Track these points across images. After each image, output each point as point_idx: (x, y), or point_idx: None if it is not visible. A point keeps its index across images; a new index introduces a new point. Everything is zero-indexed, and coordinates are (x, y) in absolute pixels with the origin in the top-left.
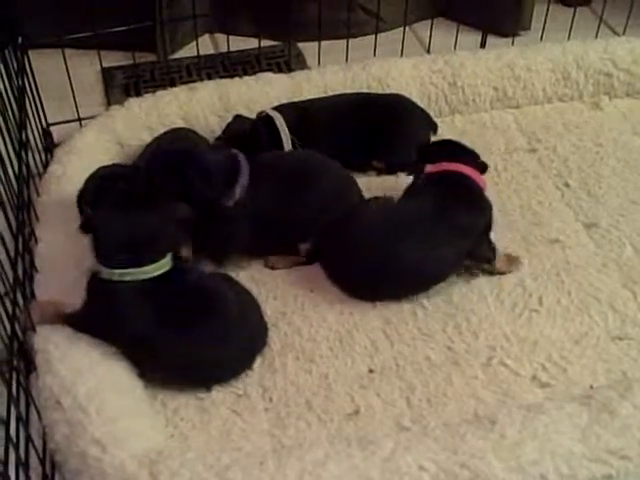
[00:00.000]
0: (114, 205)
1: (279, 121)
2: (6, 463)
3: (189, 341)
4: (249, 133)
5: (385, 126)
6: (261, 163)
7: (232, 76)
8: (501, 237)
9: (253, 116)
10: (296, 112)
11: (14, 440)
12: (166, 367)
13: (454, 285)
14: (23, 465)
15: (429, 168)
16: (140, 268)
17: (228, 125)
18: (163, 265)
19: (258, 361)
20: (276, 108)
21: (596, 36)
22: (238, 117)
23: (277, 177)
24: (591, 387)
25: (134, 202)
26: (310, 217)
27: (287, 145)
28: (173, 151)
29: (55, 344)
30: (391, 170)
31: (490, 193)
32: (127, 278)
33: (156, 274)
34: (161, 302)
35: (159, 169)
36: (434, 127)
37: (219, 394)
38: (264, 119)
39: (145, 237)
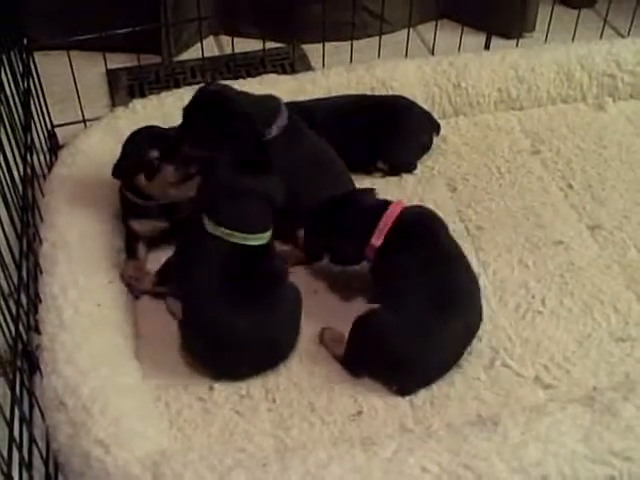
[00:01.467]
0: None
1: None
2: (10, 464)
3: (250, 318)
4: None
5: (388, 127)
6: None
7: (236, 78)
8: (505, 239)
9: None
10: (299, 112)
11: (17, 441)
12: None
13: None
14: (26, 466)
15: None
16: (248, 234)
17: None
18: (265, 238)
19: None
20: None
21: (600, 38)
22: None
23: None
24: (594, 388)
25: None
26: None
27: None
28: (212, 91)
29: (61, 344)
30: (395, 172)
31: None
32: (231, 239)
33: (256, 244)
34: (244, 272)
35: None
36: (437, 128)
37: (222, 395)
38: None
39: (266, 206)
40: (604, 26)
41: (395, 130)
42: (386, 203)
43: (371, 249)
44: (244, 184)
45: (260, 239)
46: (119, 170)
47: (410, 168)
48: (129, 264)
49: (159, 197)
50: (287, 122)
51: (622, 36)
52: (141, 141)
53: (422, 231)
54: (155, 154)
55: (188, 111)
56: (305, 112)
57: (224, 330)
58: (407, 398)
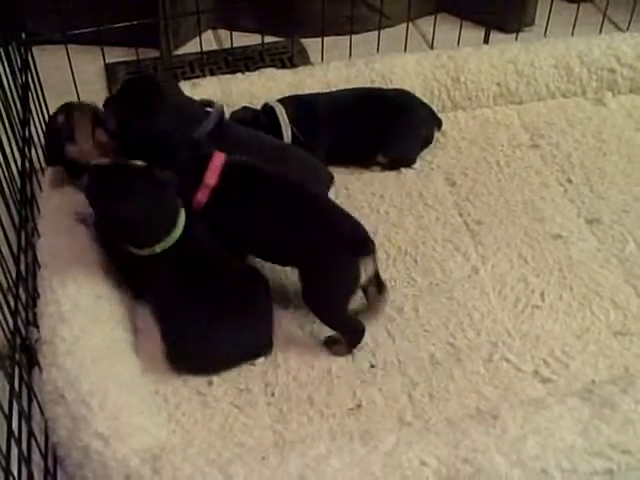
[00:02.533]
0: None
1: (279, 110)
2: (8, 458)
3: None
4: (250, 121)
5: (389, 121)
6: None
7: (235, 72)
8: (504, 233)
9: None
10: (300, 104)
11: (16, 435)
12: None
13: (456, 281)
14: (25, 460)
15: None
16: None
17: (232, 113)
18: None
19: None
20: (281, 100)
21: (600, 32)
22: (244, 108)
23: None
24: (593, 382)
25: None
26: None
27: (286, 135)
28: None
29: (61, 338)
30: (394, 166)
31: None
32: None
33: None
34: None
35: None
36: (439, 123)
37: (221, 389)
38: (267, 109)
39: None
40: (603, 20)
41: (396, 124)
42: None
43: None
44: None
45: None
46: (49, 157)
47: (410, 162)
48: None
49: (96, 156)
50: (213, 126)
51: (622, 30)
52: (50, 120)
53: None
54: (61, 118)
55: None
56: (306, 105)
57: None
58: (406, 392)
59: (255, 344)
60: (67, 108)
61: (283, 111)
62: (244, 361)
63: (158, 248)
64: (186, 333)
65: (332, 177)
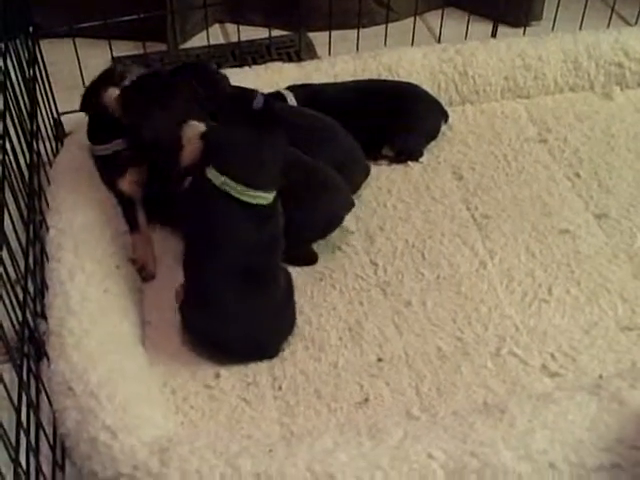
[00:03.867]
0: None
1: (290, 98)
2: (17, 449)
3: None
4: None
5: (395, 114)
6: None
7: (242, 65)
8: (512, 227)
9: None
10: (308, 93)
11: (25, 426)
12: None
13: (463, 275)
14: (34, 451)
15: None
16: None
17: None
18: (268, 198)
19: None
20: (289, 88)
21: (608, 26)
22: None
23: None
24: (600, 377)
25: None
26: None
27: None
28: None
29: (69, 330)
30: (401, 159)
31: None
32: (233, 193)
33: (258, 202)
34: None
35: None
36: (446, 116)
37: (228, 382)
38: (276, 95)
39: (275, 161)
40: (612, 14)
41: (403, 117)
42: None
43: None
44: (260, 138)
45: (264, 198)
46: (87, 95)
47: (417, 156)
48: (136, 241)
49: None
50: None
51: (630, 25)
52: (110, 67)
53: None
54: (121, 67)
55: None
56: (312, 94)
57: (229, 317)
58: (414, 385)
59: (265, 344)
60: (129, 65)
61: (293, 98)
62: (247, 356)
63: (256, 196)
64: (207, 302)
65: (369, 169)
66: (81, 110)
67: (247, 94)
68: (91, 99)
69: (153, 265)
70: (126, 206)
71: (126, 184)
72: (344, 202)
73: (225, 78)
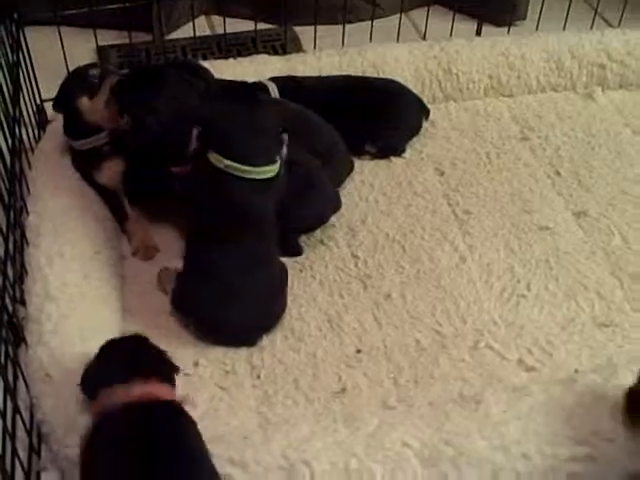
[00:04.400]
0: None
1: (272, 88)
2: None
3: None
4: None
5: (376, 110)
6: None
7: (227, 57)
8: (492, 223)
9: None
10: (290, 85)
11: (1, 410)
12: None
13: (443, 270)
14: (10, 435)
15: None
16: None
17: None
18: (274, 169)
19: None
20: (272, 79)
21: (591, 27)
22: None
23: None
24: (576, 371)
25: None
26: None
27: None
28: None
29: (47, 315)
30: (383, 155)
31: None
32: (238, 174)
33: (263, 177)
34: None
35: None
36: (426, 111)
37: (207, 370)
38: (259, 86)
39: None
40: (595, 16)
41: (384, 113)
42: None
43: None
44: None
45: (270, 171)
46: (60, 98)
47: (399, 151)
48: (130, 231)
49: (103, 122)
50: None
51: (613, 27)
52: (81, 68)
53: None
54: (95, 72)
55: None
56: (294, 86)
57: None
58: (391, 376)
59: (249, 331)
60: (104, 67)
61: (276, 89)
62: (234, 338)
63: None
64: (200, 285)
65: (352, 164)
66: (55, 110)
67: (234, 86)
68: (66, 103)
69: (152, 240)
70: (108, 198)
71: (105, 177)
72: (332, 203)
73: (209, 72)
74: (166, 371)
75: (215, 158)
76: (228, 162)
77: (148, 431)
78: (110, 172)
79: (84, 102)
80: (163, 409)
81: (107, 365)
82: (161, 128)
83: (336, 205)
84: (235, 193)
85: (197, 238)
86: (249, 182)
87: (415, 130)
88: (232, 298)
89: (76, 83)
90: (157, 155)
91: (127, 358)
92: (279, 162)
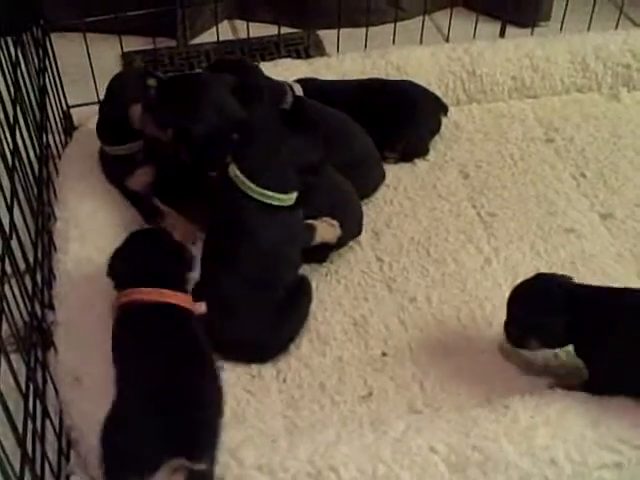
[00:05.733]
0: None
1: (297, 89)
2: (24, 436)
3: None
4: None
5: (395, 114)
6: None
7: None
8: (517, 226)
9: None
10: (313, 87)
11: (31, 414)
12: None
13: (468, 272)
14: (40, 438)
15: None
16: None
17: None
18: (285, 200)
19: None
20: (297, 80)
21: (616, 27)
22: None
23: None
24: None
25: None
26: None
27: None
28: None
29: (76, 320)
30: (407, 157)
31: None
32: (250, 192)
33: (275, 204)
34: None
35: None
36: (444, 109)
37: (233, 374)
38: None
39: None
40: (620, 16)
41: (401, 115)
42: None
43: None
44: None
45: (277, 199)
46: (112, 101)
47: (422, 153)
48: (170, 222)
49: (150, 132)
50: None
51: (638, 26)
52: (137, 72)
53: None
54: (153, 82)
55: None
56: (317, 88)
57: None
58: (417, 380)
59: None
60: (157, 76)
61: (301, 90)
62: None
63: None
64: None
65: (384, 173)
66: (102, 113)
67: (280, 89)
68: (116, 108)
69: (191, 229)
70: (139, 203)
71: (137, 183)
72: (358, 220)
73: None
74: (181, 280)
75: (231, 167)
76: (238, 173)
77: (160, 327)
78: (143, 179)
79: (136, 110)
80: (175, 311)
81: (129, 267)
82: (206, 138)
83: (358, 230)
84: (236, 206)
85: (205, 250)
86: (255, 202)
87: (435, 128)
88: (230, 317)
89: (130, 89)
90: (197, 162)
91: (148, 261)
92: (293, 195)
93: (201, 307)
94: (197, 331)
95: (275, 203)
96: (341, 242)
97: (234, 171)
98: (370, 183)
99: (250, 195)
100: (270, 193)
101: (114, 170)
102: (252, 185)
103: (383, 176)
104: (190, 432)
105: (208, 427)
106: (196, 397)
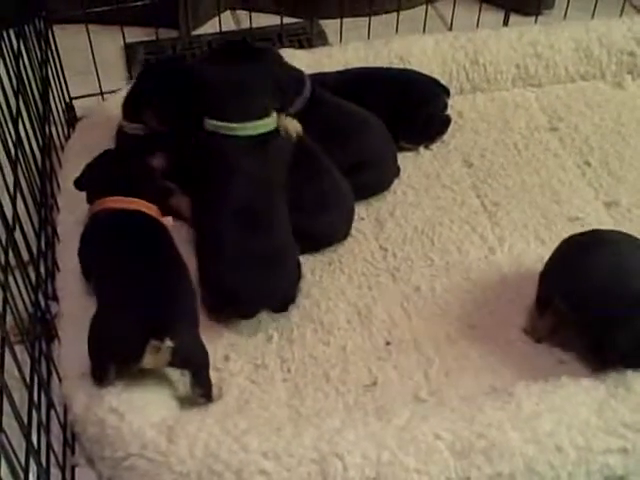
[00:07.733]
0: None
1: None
2: (29, 427)
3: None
4: None
5: (399, 106)
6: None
7: None
8: (521, 214)
9: None
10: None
11: (36, 405)
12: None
13: (472, 262)
14: (45, 429)
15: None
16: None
17: None
18: (269, 124)
19: (276, 332)
20: None
21: (620, 15)
22: None
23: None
24: None
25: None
26: None
27: None
28: None
29: (79, 312)
30: (426, 145)
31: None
32: (232, 133)
33: (260, 132)
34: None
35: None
36: (446, 91)
37: (237, 364)
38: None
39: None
40: (624, 4)
41: (405, 106)
42: None
43: None
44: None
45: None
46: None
47: (442, 132)
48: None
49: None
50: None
51: None
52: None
53: None
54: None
55: None
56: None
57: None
58: (422, 369)
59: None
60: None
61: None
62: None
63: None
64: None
65: (399, 170)
66: (148, 93)
67: (299, 77)
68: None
69: None
70: (150, 182)
71: (157, 162)
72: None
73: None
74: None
75: (209, 124)
76: (213, 122)
77: (128, 228)
78: (162, 161)
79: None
80: (144, 217)
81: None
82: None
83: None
84: (229, 154)
85: (200, 211)
86: (244, 140)
87: (441, 111)
88: (232, 267)
89: (155, 89)
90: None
91: (118, 172)
92: (274, 117)
93: (168, 221)
94: (164, 235)
95: (262, 130)
96: (329, 241)
97: (209, 123)
98: (385, 180)
99: (235, 135)
100: (254, 123)
101: (131, 148)
102: (231, 124)
103: (398, 172)
104: (167, 313)
105: (183, 306)
106: (169, 285)
